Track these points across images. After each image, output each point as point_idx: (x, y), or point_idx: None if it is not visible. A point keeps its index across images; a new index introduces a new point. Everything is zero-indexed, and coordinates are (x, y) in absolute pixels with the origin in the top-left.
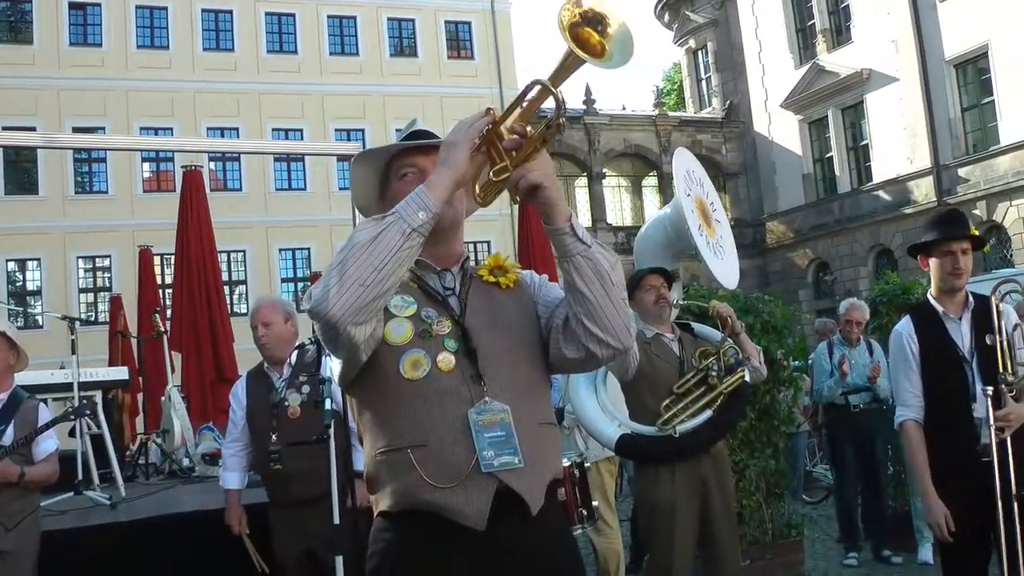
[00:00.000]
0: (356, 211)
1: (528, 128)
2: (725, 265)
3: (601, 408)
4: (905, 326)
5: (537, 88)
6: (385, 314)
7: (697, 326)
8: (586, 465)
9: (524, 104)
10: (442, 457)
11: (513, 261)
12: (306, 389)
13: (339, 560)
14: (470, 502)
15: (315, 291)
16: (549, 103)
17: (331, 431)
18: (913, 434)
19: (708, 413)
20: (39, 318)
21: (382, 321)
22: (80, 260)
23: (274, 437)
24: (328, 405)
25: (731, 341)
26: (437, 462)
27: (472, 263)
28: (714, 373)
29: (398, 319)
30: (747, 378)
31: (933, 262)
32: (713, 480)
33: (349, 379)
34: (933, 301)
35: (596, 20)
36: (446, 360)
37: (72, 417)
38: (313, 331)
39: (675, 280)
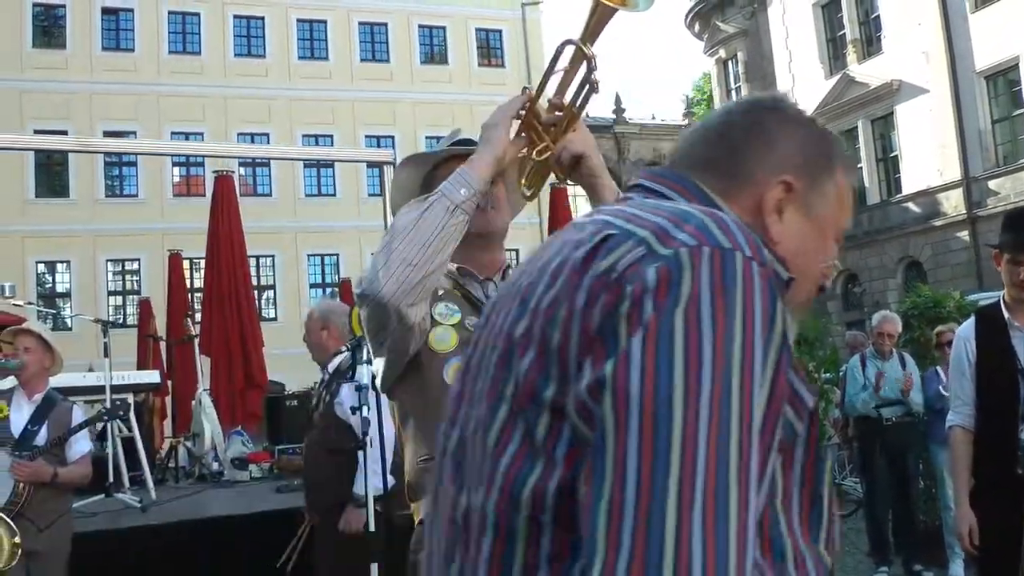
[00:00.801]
0: (389, 216)
1: (565, 100)
2: None
3: None
4: (966, 330)
5: (569, 50)
6: (431, 321)
7: None
8: None
9: (557, 72)
10: None
11: None
12: (327, 397)
13: (374, 568)
14: None
15: (364, 275)
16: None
17: (368, 439)
18: (958, 440)
19: None
20: (68, 320)
21: (429, 315)
22: (109, 263)
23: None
24: (365, 412)
25: None
26: None
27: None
28: None
29: (443, 327)
30: None
31: (1003, 265)
32: None
33: (391, 382)
34: (1002, 307)
35: None
36: None
37: (106, 419)
38: (353, 335)
39: None
